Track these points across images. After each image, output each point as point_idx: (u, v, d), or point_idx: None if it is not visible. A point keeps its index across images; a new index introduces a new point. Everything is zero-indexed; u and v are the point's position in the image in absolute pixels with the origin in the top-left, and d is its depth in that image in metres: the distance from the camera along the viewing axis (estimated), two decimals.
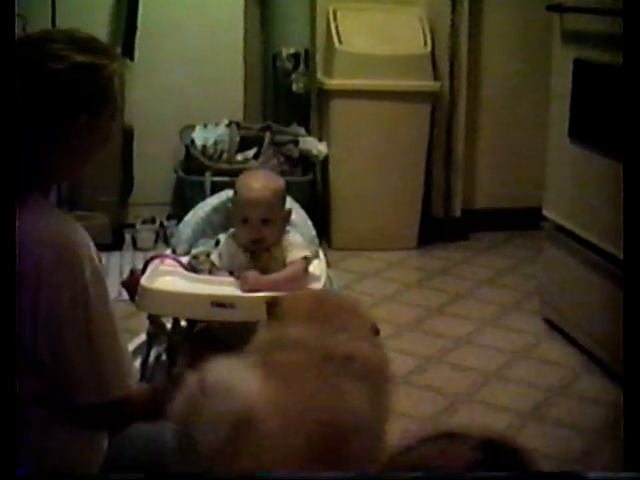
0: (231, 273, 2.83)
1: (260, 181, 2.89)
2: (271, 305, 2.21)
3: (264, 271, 2.81)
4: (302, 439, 1.95)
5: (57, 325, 1.86)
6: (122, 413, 1.99)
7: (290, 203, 2.99)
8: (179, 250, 3.04)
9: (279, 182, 2.93)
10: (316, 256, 2.96)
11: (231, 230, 2.95)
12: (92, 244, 1.92)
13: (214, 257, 2.89)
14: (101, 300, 1.91)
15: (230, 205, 2.98)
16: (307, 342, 2.10)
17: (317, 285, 2.76)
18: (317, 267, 2.89)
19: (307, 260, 2.82)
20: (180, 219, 3.29)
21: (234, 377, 1.95)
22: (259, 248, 2.84)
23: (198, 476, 2.07)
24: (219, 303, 2.61)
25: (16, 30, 2.05)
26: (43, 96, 1.88)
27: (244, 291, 2.70)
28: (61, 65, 1.88)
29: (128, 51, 4.84)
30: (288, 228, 2.91)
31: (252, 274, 2.73)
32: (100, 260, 1.94)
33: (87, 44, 1.95)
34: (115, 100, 2.00)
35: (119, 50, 4.77)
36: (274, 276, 2.76)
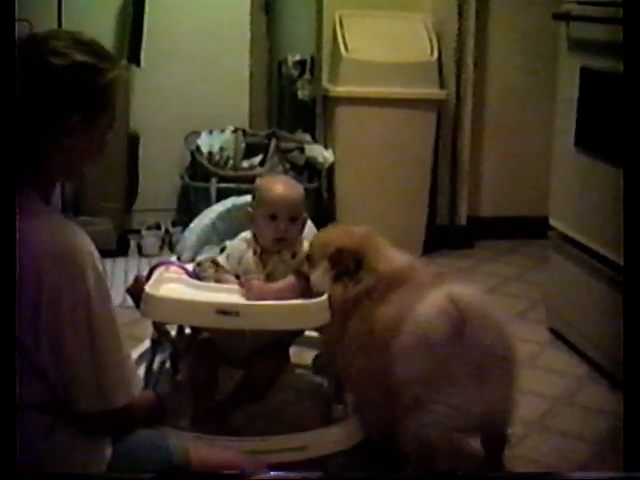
0: (237, 277, 2.83)
1: (287, 182, 3.01)
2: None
3: (272, 275, 2.82)
4: None
5: (59, 330, 1.85)
6: (124, 420, 1.99)
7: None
8: (184, 257, 3.03)
9: (300, 186, 3.00)
10: None
11: (241, 234, 2.95)
12: (95, 249, 1.92)
13: (221, 259, 2.89)
14: (104, 306, 1.90)
15: (248, 208, 2.97)
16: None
17: (321, 294, 2.75)
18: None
19: None
20: (185, 225, 3.29)
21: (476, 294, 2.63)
22: (281, 248, 2.86)
23: (198, 477, 2.09)
24: (224, 311, 2.60)
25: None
26: (40, 90, 1.89)
27: (249, 300, 2.70)
28: (62, 61, 1.90)
29: (134, 57, 4.84)
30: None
31: (257, 283, 2.72)
32: (103, 266, 1.94)
33: (90, 46, 1.96)
34: (113, 107, 2.00)
35: (125, 56, 4.79)
36: (278, 285, 2.76)
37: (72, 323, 1.85)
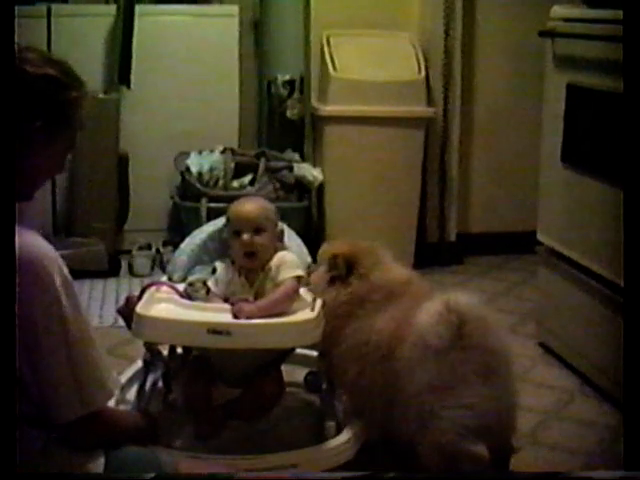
0: (226, 300, 2.85)
1: (249, 199, 3.09)
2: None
3: (260, 294, 2.83)
4: None
5: (34, 338, 1.88)
6: (106, 424, 2.02)
7: (285, 230, 3.03)
8: (175, 277, 3.04)
9: (268, 203, 3.06)
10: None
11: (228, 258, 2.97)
12: (58, 255, 1.95)
13: (210, 283, 2.91)
14: (74, 308, 1.94)
15: (225, 233, 3.02)
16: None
17: (309, 311, 2.77)
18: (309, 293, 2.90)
19: (300, 279, 2.84)
20: (176, 245, 3.30)
21: (470, 298, 2.56)
22: (253, 264, 2.87)
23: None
24: (215, 330, 2.62)
25: None
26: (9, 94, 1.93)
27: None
28: (34, 70, 1.97)
29: (124, 78, 4.86)
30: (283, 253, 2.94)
31: (246, 305, 2.73)
32: (67, 270, 1.97)
33: (61, 65, 2.05)
34: (74, 129, 2.07)
35: (115, 77, 4.82)
36: (267, 301, 2.77)
37: (46, 328, 1.89)
